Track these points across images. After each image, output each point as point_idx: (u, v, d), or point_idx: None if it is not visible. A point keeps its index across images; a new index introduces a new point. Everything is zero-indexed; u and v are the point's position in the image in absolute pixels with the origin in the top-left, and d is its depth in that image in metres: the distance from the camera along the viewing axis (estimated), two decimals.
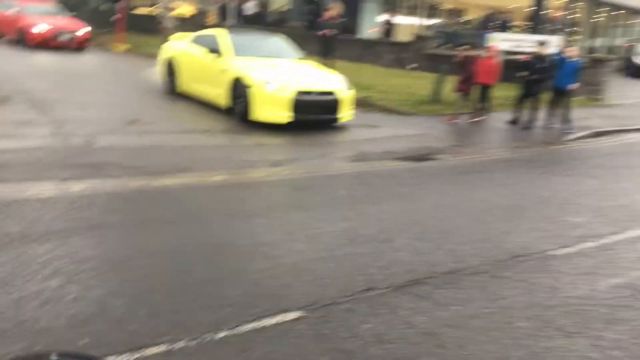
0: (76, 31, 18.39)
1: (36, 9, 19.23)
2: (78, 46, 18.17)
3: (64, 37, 18.12)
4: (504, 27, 21.68)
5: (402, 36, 22.74)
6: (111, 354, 3.17)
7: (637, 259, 5.24)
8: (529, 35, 16.51)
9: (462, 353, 3.48)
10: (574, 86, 11.21)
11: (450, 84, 12.53)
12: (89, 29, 18.75)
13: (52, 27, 17.95)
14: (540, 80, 11.29)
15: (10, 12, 18.80)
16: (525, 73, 11.37)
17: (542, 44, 11.63)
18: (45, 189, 5.79)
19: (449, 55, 19.60)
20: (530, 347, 3.62)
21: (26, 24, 17.94)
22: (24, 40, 17.69)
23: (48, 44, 17.56)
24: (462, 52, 11.82)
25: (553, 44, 14.70)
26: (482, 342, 3.63)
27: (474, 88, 11.65)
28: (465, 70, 11.45)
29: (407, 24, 25.83)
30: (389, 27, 23.78)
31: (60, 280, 3.95)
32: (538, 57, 11.40)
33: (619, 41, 30.31)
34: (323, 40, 15.56)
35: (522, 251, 5.20)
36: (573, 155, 9.73)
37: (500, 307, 4.12)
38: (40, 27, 17.82)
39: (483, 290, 4.36)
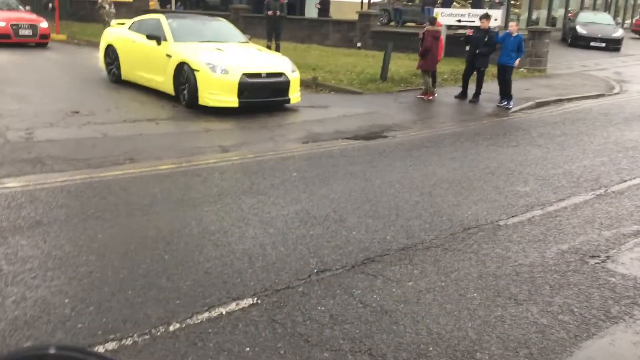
0: (38, 24, 17.06)
1: None
2: (40, 41, 17.00)
3: (25, 32, 16.86)
4: (448, 2, 21.90)
5: (347, 15, 22.66)
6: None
7: (582, 224, 5.39)
8: (471, 9, 16.68)
9: (417, 328, 3.50)
10: (517, 62, 11.43)
11: (396, 60, 12.56)
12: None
13: (10, 20, 16.71)
14: (484, 54, 11.45)
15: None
16: (468, 47, 11.52)
17: (485, 17, 11.77)
18: None
19: (394, 32, 19.72)
20: (483, 317, 3.67)
21: None
22: None
23: (10, 39, 16.49)
24: (426, 29, 11.81)
25: (495, 17, 14.93)
26: (436, 315, 3.66)
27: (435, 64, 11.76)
28: (427, 47, 11.48)
29: (352, 2, 25.78)
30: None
31: (1, 281, 3.77)
32: (482, 31, 11.54)
33: (560, 12, 31.06)
34: (270, 21, 15.35)
35: (472, 223, 5.28)
36: (517, 126, 9.92)
37: (453, 279, 4.17)
38: None
39: (436, 264, 4.40)
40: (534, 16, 28.61)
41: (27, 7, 18.55)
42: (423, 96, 11.81)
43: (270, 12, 15.28)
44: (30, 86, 10.99)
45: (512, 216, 5.51)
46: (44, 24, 17.02)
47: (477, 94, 11.76)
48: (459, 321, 3.61)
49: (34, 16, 17.60)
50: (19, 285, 3.75)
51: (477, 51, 11.42)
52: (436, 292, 3.97)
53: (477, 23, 12.17)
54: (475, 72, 11.74)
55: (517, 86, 13.60)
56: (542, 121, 10.47)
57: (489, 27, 11.66)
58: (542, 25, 25.40)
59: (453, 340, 3.40)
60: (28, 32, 16.85)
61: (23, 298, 3.60)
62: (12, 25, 16.54)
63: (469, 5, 22.83)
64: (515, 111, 11.20)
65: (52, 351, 0.88)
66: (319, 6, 22.10)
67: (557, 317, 3.72)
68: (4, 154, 6.68)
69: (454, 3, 23.09)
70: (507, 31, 11.65)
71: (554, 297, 3.98)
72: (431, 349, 3.31)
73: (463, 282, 4.14)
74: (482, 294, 3.98)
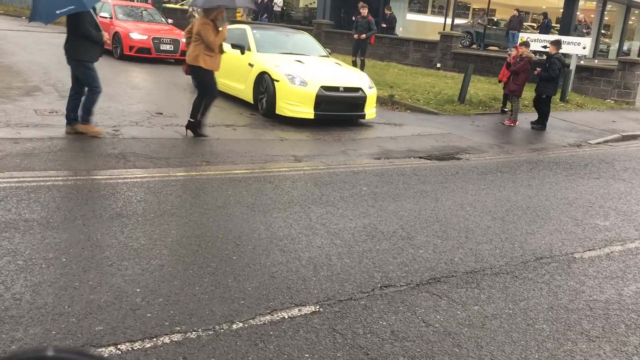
0: (180, 39, 15.33)
1: (128, 10, 16.98)
2: (181, 58, 14.39)
3: (167, 47, 15.65)
4: (547, 27, 21.41)
5: (429, 35, 22.54)
6: (125, 342, 3.17)
7: None
8: (560, 36, 16.18)
9: (480, 353, 3.41)
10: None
11: (476, 83, 12.36)
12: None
13: (151, 34, 15.58)
14: (543, 79, 11.11)
15: (102, 15, 15.73)
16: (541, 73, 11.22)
17: (554, 43, 11.42)
18: (71, 177, 5.84)
19: (475, 55, 19.44)
20: (551, 350, 3.52)
21: (122, 29, 15.50)
22: (120, 48, 15.43)
23: (150, 54, 15.41)
24: (518, 52, 11.60)
25: (583, 45, 14.45)
26: (501, 342, 3.55)
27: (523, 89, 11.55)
28: (519, 71, 11.27)
29: (435, 22, 25.65)
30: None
31: (79, 267, 3.97)
32: (547, 56, 11.27)
33: None
34: (356, 40, 15.51)
35: (545, 253, 5.09)
36: (601, 159, 9.51)
37: (521, 308, 4.03)
38: (139, 35, 15.40)
39: (504, 291, 4.27)
40: (625, 47, 27.45)
41: (170, 20, 17.79)
42: (510, 123, 11.51)
43: (355, 35, 15.47)
44: (118, 87, 11.57)
45: (589, 249, 5.27)
46: (185, 39, 16.00)
47: (540, 121, 11.34)
48: (525, 351, 3.49)
49: (175, 30, 16.60)
50: (96, 271, 3.94)
51: (544, 77, 11.09)
52: (503, 319, 3.85)
53: (548, 49, 11.81)
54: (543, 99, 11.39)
55: (603, 117, 13.09)
56: (627, 155, 9.99)
57: (556, 53, 11.28)
58: (633, 56, 24.31)
59: None
60: (169, 47, 15.74)
61: (99, 284, 3.77)
62: (153, 39, 15.47)
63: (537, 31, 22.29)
64: (599, 143, 10.75)
65: (50, 353, 0.88)
66: (384, 25, 22.02)
67: (632, 358, 3.52)
68: (92, 147, 7.05)
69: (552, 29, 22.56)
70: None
71: (629, 337, 3.77)
72: None
73: (532, 312, 3.99)
74: (552, 326, 3.82)
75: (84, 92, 7.56)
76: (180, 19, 21.01)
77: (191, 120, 8.10)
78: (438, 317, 3.79)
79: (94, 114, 7.70)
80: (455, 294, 4.14)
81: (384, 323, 3.64)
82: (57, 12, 6.93)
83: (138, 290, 3.75)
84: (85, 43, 7.32)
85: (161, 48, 15.63)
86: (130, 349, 3.13)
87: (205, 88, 8.04)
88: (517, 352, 3.46)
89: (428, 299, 4.01)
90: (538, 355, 3.45)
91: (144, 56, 15.31)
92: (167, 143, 7.68)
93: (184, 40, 15.34)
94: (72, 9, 6.96)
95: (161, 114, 9.34)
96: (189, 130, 8.14)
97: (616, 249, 5.34)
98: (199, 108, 8.07)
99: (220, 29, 7.89)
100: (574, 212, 6.33)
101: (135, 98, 10.70)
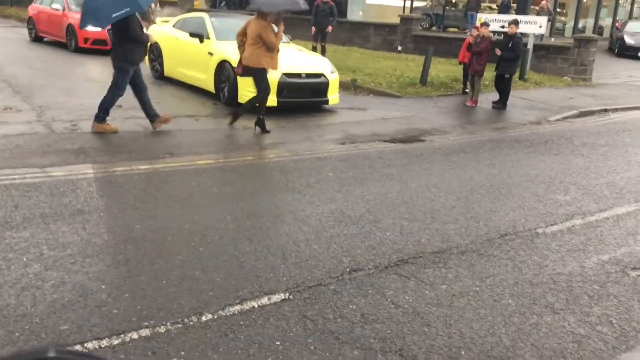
0: None
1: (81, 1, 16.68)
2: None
3: None
4: (506, 7, 21.63)
5: (389, 18, 22.58)
6: (92, 339, 3.11)
7: (624, 235, 5.23)
8: (518, 15, 16.38)
9: (450, 331, 3.45)
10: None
11: (437, 65, 12.45)
12: None
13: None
14: (506, 59, 11.25)
15: (54, 6, 15.89)
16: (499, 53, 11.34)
17: (514, 23, 11.58)
18: (28, 175, 5.69)
19: (435, 37, 19.57)
20: (518, 324, 3.60)
21: (76, 21, 14.59)
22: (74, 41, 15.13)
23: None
24: (479, 32, 11.69)
25: (539, 24, 14.68)
26: (470, 320, 3.60)
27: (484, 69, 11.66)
28: (482, 51, 11.37)
29: (394, 5, 25.70)
30: None
31: (41, 266, 3.87)
32: (508, 36, 11.42)
33: (608, 21, 30.34)
34: (318, 24, 15.43)
35: (509, 229, 5.18)
36: (559, 135, 9.71)
37: (488, 285, 4.10)
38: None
39: (470, 269, 4.33)
40: (580, 25, 27.99)
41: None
42: (472, 103, 11.65)
43: (314, 29, 15.42)
44: (75, 81, 11.28)
45: (551, 224, 5.39)
46: None
47: (501, 100, 11.49)
48: (492, 327, 3.55)
49: None
50: (59, 269, 3.85)
51: (505, 57, 11.23)
52: (470, 297, 3.91)
53: (507, 29, 11.96)
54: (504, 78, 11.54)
55: (561, 94, 13.36)
56: (585, 131, 10.23)
57: (516, 33, 11.47)
58: (589, 34, 24.83)
59: (486, 345, 3.35)
60: None
61: (62, 282, 3.69)
62: (109, 30, 15.22)
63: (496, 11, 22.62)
64: (558, 120, 10.97)
65: (51, 354, 0.88)
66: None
67: (595, 327, 3.62)
68: (49, 143, 6.86)
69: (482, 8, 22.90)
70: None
71: (592, 308, 3.88)
72: (463, 352, 3.25)
73: (498, 288, 4.06)
74: (518, 301, 3.90)
75: (143, 86, 7.80)
76: None
77: (261, 117, 8.30)
78: (407, 298, 3.82)
79: (109, 114, 7.70)
80: (423, 275, 4.18)
81: (354, 307, 3.66)
82: (113, 15, 6.97)
83: (103, 286, 3.68)
84: (132, 45, 7.42)
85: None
86: (97, 346, 3.08)
87: (265, 87, 8.25)
88: (484, 328, 3.52)
89: (396, 281, 4.05)
90: (505, 330, 3.52)
91: (100, 48, 14.89)
92: (127, 136, 7.54)
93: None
94: (129, 11, 7.03)
95: (120, 106, 9.12)
96: (257, 127, 8.32)
97: (577, 223, 5.47)
98: (263, 104, 8.30)
99: (277, 30, 8.15)
100: (536, 189, 6.46)
101: (93, 91, 10.42)
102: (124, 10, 6.95)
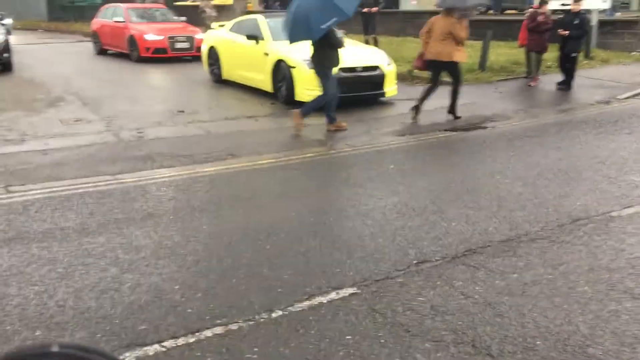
0: (194, 35, 15.78)
1: (140, 13, 17.21)
2: (197, 54, 14.23)
3: (182, 45, 15.64)
4: None
5: None
6: (168, 339, 3.22)
7: None
8: None
9: (523, 321, 3.37)
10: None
11: (496, 49, 12.12)
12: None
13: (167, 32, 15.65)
14: (574, 37, 10.78)
15: (116, 19, 16.51)
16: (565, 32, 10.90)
17: (577, 0, 11.10)
18: (101, 182, 5.94)
19: (493, 21, 19.03)
20: (595, 312, 3.46)
21: (137, 32, 15.61)
22: (136, 51, 15.55)
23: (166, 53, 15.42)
24: (538, 11, 11.39)
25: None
26: (544, 308, 3.50)
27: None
28: (547, 27, 11.08)
29: None
30: None
31: (117, 269, 4.04)
32: (572, 14, 10.94)
33: None
34: (365, 16, 15.32)
35: (581, 214, 4.99)
36: (630, 113, 9.26)
37: (561, 272, 3.97)
38: (154, 35, 15.47)
39: (542, 257, 4.20)
40: None
41: (183, 18, 17.68)
42: (534, 82, 11.37)
43: (365, 9, 15.23)
44: (139, 89, 11.69)
45: (627, 207, 5.15)
46: (199, 35, 15.28)
47: (567, 81, 11.04)
48: (568, 315, 3.43)
49: (189, 27, 16.66)
50: (134, 272, 4.00)
51: (567, 35, 10.78)
52: (543, 285, 3.79)
53: (570, 6, 11.48)
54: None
55: (630, 71, 12.74)
56: None
57: (581, 10, 10.99)
58: None
59: (563, 334, 3.24)
60: (185, 45, 15.71)
61: (138, 284, 3.83)
62: (169, 38, 15.51)
63: None
64: (628, 97, 10.46)
65: (55, 349, 0.90)
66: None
67: None
68: (118, 151, 7.14)
69: None
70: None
71: None
72: (539, 342, 3.17)
73: (572, 276, 3.92)
74: (594, 288, 3.75)
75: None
76: (192, 15, 21.03)
77: (452, 110, 8.91)
78: (477, 288, 3.75)
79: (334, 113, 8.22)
80: (493, 264, 4.09)
81: (423, 299, 3.62)
82: (322, 26, 7.35)
83: (176, 287, 3.80)
84: (330, 51, 7.92)
85: (177, 46, 15.67)
86: (174, 345, 3.18)
87: (458, 77, 8.95)
88: (560, 317, 3.41)
89: (465, 271, 3.98)
90: (582, 318, 3.40)
91: (160, 56, 15.39)
92: (191, 140, 7.74)
93: (197, 36, 15.59)
94: (336, 21, 7.43)
95: (183, 111, 9.40)
96: (450, 115, 8.92)
97: None
98: (456, 95, 8.91)
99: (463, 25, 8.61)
100: (608, 170, 6.19)
101: (156, 98, 10.81)
102: (332, 21, 7.33)
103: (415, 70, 12.23)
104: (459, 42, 8.52)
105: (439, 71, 8.87)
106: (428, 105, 9.93)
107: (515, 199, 5.38)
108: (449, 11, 8.57)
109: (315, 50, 7.99)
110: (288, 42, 8.20)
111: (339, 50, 8.05)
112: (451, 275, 3.92)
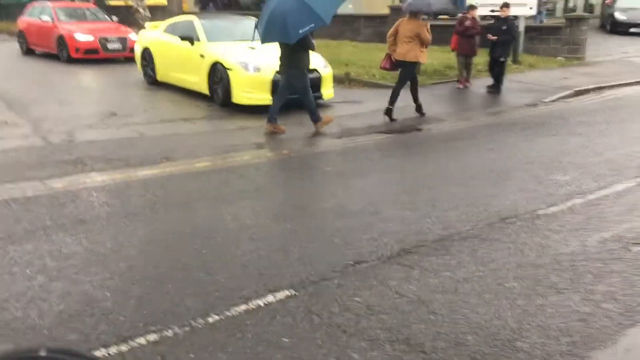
0: (127, 35, 15.44)
1: (70, 11, 16.54)
2: (130, 55, 14.16)
3: (114, 45, 15.27)
4: None
5: (379, 9, 22.52)
6: (100, 347, 3.13)
7: (625, 211, 5.24)
8: None
9: (455, 317, 3.47)
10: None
11: (430, 53, 12.41)
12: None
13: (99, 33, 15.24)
14: (502, 43, 11.23)
15: (44, 18, 15.90)
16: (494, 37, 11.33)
17: (505, 5, 11.57)
18: (28, 188, 5.70)
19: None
20: (523, 306, 3.61)
21: (66, 32, 15.04)
22: (65, 52, 15.03)
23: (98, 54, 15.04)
24: (467, 16, 11.74)
25: (530, 5, 14.64)
26: (475, 305, 3.62)
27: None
28: (475, 31, 11.45)
29: None
30: None
31: (46, 277, 3.89)
32: (501, 20, 11.40)
33: None
34: None
35: (510, 213, 5.19)
36: (556, 115, 9.71)
37: (491, 269, 4.11)
38: (84, 36, 15.00)
39: (473, 255, 4.34)
40: (570, 4, 27.93)
41: (115, 18, 17.25)
42: (464, 83, 11.74)
43: None
44: (68, 91, 11.28)
45: (552, 205, 5.39)
46: (132, 36, 15.02)
47: (497, 85, 11.47)
48: (498, 310, 3.56)
49: (122, 27, 16.26)
50: (63, 280, 3.86)
51: (496, 40, 11.22)
52: (474, 282, 3.92)
53: (498, 12, 11.94)
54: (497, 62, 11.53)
55: (555, 75, 13.34)
56: (581, 109, 10.23)
57: (509, 15, 11.49)
58: (579, 12, 24.76)
59: (492, 329, 3.36)
60: (117, 45, 15.31)
61: (67, 293, 3.70)
62: (100, 39, 15.11)
63: None
64: (554, 100, 10.96)
65: (42, 353, 0.88)
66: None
67: (600, 305, 3.63)
68: (46, 155, 6.87)
69: None
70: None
71: (596, 285, 3.88)
72: (470, 338, 3.27)
73: (501, 272, 4.07)
74: (522, 283, 3.91)
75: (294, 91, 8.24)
76: (125, 15, 20.50)
77: (390, 107, 9.13)
78: (411, 287, 3.83)
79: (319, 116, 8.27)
80: (427, 263, 4.19)
81: (359, 299, 3.67)
82: (300, 31, 7.44)
83: (108, 294, 3.69)
84: (304, 53, 8.02)
85: (109, 47, 15.24)
86: (106, 354, 3.09)
87: (415, 78, 9.40)
88: (490, 312, 3.53)
89: (400, 271, 4.06)
90: (511, 313, 3.53)
91: (92, 57, 14.92)
92: (124, 143, 7.54)
93: (130, 37, 15.23)
94: (313, 27, 7.60)
95: (115, 114, 9.15)
96: (387, 116, 9.12)
97: (577, 202, 5.47)
98: (397, 96, 9.19)
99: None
100: (535, 170, 6.46)
101: (87, 101, 10.47)
102: (309, 27, 7.47)
103: (352, 74, 12.39)
104: (423, 44, 8.96)
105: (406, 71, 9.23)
106: (364, 108, 10.09)
107: (449, 199, 5.53)
108: (414, 14, 9.02)
109: (288, 52, 7.97)
110: (260, 40, 8.21)
111: (309, 52, 8.16)
112: (387, 275, 3.99)
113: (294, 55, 7.96)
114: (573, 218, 5.09)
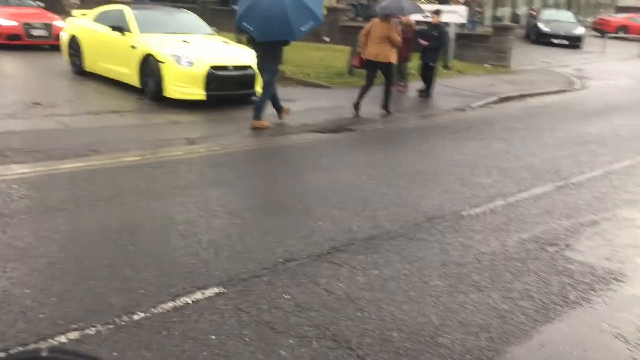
0: (52, 22, 14.59)
1: None
2: (55, 43, 13.30)
3: (39, 32, 14.48)
4: None
5: None
6: (16, 346, 3.00)
7: (542, 214, 5.52)
8: (439, 5, 16.82)
9: (381, 314, 3.55)
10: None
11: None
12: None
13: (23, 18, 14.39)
14: (432, 49, 11.58)
15: None
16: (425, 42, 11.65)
17: (436, 12, 11.94)
18: None
19: (361, 27, 19.75)
20: (446, 304, 3.74)
21: None
22: None
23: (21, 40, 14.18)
24: (405, 21, 11.94)
25: (460, 13, 15.13)
26: (400, 302, 3.72)
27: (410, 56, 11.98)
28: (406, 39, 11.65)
29: None
30: None
31: None
32: (432, 26, 11.76)
33: (524, 9, 31.63)
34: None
35: (436, 213, 5.36)
36: (482, 121, 10.10)
37: (417, 268, 4.23)
38: (6, 21, 14.19)
39: (400, 254, 4.45)
40: (498, 13, 29.07)
41: (41, 4, 16.32)
42: (403, 89, 12.01)
43: (236, 7, 15.13)
44: None
45: (475, 207, 5.61)
46: (58, 23, 14.19)
47: (427, 89, 11.81)
48: (422, 307, 3.68)
49: (48, 13, 15.38)
50: None
51: (426, 45, 11.56)
52: (400, 280, 4.03)
53: (430, 18, 12.28)
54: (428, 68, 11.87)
55: (483, 81, 13.86)
56: (505, 115, 10.68)
57: (440, 22, 11.90)
58: (506, 22, 25.80)
59: (416, 325, 3.46)
60: (42, 32, 14.54)
61: None
62: (24, 24, 14.27)
63: (436, 1, 23.07)
64: (480, 106, 11.39)
65: (44, 354, 0.89)
66: None
67: (517, 302, 3.82)
68: None
69: None
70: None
71: (514, 284, 4.08)
72: (395, 334, 3.36)
73: (427, 270, 4.20)
74: (445, 282, 4.05)
75: None
76: (51, 1, 19.62)
77: (386, 106, 9.85)
78: (340, 285, 3.89)
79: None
80: (355, 261, 4.26)
81: (288, 296, 3.69)
82: (302, 29, 7.70)
83: (27, 291, 3.54)
84: (281, 50, 8.32)
85: (33, 33, 14.48)
86: None
87: (392, 78, 9.89)
88: (415, 309, 3.64)
89: (329, 269, 4.11)
90: (434, 310, 3.65)
91: (14, 43, 14.18)
92: (47, 135, 7.23)
93: (56, 24, 14.58)
94: (313, 25, 7.85)
95: (39, 104, 8.76)
96: (384, 110, 9.89)
97: (499, 204, 5.72)
98: (389, 93, 9.85)
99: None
100: (461, 173, 6.70)
101: (7, 89, 9.95)
102: (309, 24, 7.75)
103: (286, 72, 12.39)
104: (394, 45, 9.42)
105: (375, 71, 9.64)
106: (298, 106, 10.13)
107: (379, 199, 5.64)
108: (386, 17, 9.48)
109: (271, 49, 8.16)
110: (256, 38, 8.12)
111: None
112: (316, 273, 4.03)
113: (278, 52, 8.28)
114: (494, 219, 5.32)
